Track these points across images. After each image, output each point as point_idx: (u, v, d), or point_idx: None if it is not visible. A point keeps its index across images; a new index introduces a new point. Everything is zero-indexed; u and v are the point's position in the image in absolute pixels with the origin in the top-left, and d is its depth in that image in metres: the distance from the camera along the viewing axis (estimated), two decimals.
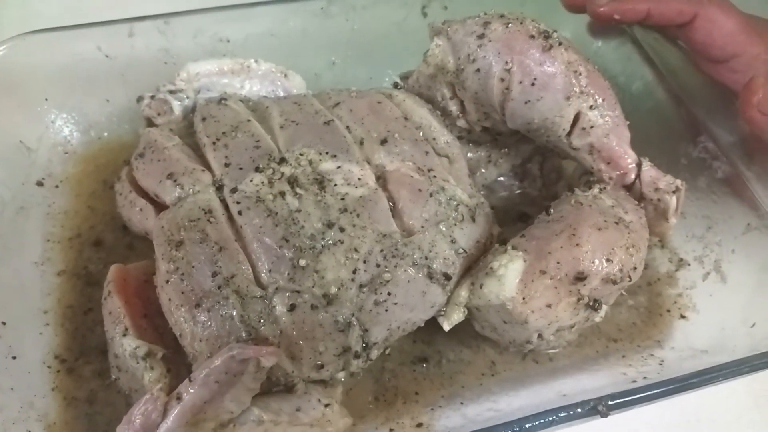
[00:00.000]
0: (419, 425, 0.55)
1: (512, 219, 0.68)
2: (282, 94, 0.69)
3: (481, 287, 0.51)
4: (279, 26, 0.76)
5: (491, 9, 0.60)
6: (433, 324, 0.55)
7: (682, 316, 0.64)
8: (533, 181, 0.69)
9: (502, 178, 0.68)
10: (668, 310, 0.65)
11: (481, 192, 0.65)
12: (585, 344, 0.61)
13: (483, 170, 0.67)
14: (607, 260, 0.50)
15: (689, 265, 0.67)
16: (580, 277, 0.49)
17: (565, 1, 0.72)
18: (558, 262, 0.49)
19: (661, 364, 0.59)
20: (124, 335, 0.50)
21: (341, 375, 0.53)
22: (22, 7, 0.91)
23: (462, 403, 0.56)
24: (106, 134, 0.74)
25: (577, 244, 0.50)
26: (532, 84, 0.56)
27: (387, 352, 0.58)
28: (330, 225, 0.51)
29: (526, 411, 0.49)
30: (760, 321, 0.58)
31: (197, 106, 0.62)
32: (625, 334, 0.63)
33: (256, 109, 0.61)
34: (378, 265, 0.50)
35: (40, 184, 0.68)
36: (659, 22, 0.67)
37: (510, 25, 0.57)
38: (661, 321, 0.64)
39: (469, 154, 0.65)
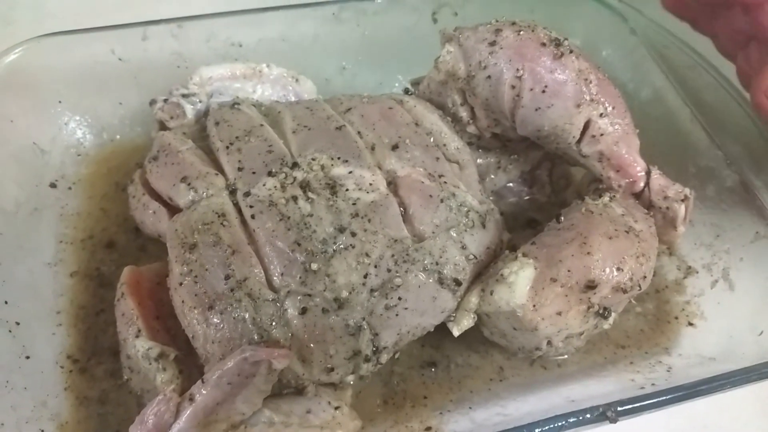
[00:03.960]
0: (428, 429, 0.55)
1: (521, 225, 0.68)
2: (293, 98, 0.70)
3: (491, 294, 0.51)
4: (291, 31, 0.77)
5: (502, 16, 0.61)
6: (441, 329, 0.55)
7: (690, 324, 0.64)
8: (542, 187, 0.69)
9: (511, 184, 0.68)
10: (676, 318, 0.65)
11: (490, 198, 0.65)
12: (593, 350, 0.62)
13: (492, 176, 0.67)
14: (618, 269, 0.50)
15: (697, 272, 0.67)
16: (591, 286, 0.50)
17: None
18: (569, 270, 0.50)
19: (668, 371, 0.59)
20: (137, 336, 0.51)
21: (350, 378, 0.53)
22: (35, 9, 0.91)
23: (470, 408, 0.56)
24: (118, 137, 0.75)
25: (588, 253, 0.50)
26: (543, 91, 0.56)
27: (396, 356, 0.58)
28: (342, 229, 0.51)
29: (535, 416, 0.49)
30: None
31: (210, 111, 0.63)
32: (633, 341, 0.63)
33: (268, 113, 0.62)
34: (389, 270, 0.51)
35: (53, 185, 0.69)
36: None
37: (521, 32, 0.57)
38: (669, 328, 0.64)
39: (478, 160, 0.66)
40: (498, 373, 0.60)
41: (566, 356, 0.60)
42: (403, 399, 0.58)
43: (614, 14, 0.81)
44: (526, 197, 0.69)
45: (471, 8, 0.81)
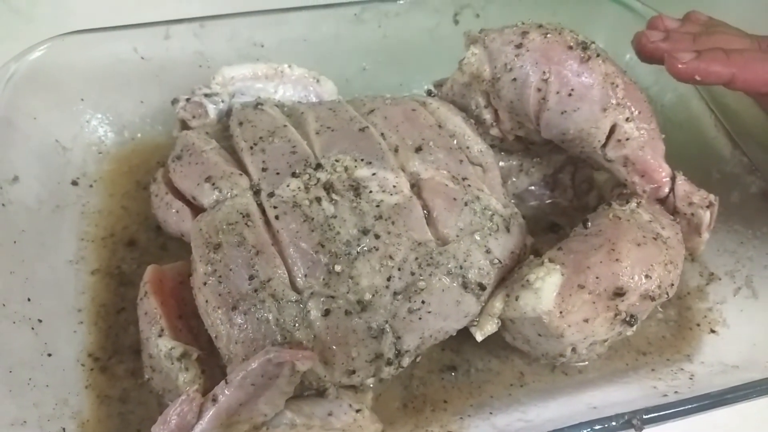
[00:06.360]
0: None
1: (542, 229, 0.68)
2: (314, 99, 0.69)
3: (516, 299, 0.51)
4: (312, 32, 0.76)
5: (527, 18, 0.60)
6: (462, 333, 0.55)
7: (712, 331, 0.64)
8: (564, 191, 0.68)
9: (533, 188, 0.68)
10: (698, 324, 0.64)
11: (512, 201, 0.65)
12: (614, 357, 0.61)
13: (514, 179, 0.67)
14: (646, 276, 0.50)
15: (720, 279, 0.66)
16: (619, 293, 0.49)
17: (639, 48, 0.63)
18: (597, 277, 0.49)
19: (691, 379, 0.59)
20: (160, 335, 0.50)
21: (371, 381, 0.53)
22: (57, 6, 0.92)
23: (491, 413, 0.56)
24: (139, 135, 0.75)
25: (617, 260, 0.49)
26: (569, 95, 0.56)
27: (417, 359, 0.58)
28: (365, 231, 0.51)
29: (557, 422, 0.49)
30: None
31: (233, 111, 0.63)
32: (655, 348, 0.62)
33: (291, 114, 0.62)
34: (413, 273, 0.51)
35: (74, 183, 0.69)
36: (743, 89, 0.60)
37: (548, 35, 0.57)
38: (691, 335, 0.64)
39: (500, 163, 0.65)
40: (519, 379, 0.60)
41: (587, 363, 0.60)
42: (423, 403, 0.57)
43: (637, 17, 0.80)
44: (548, 201, 0.69)
45: (493, 10, 0.81)
